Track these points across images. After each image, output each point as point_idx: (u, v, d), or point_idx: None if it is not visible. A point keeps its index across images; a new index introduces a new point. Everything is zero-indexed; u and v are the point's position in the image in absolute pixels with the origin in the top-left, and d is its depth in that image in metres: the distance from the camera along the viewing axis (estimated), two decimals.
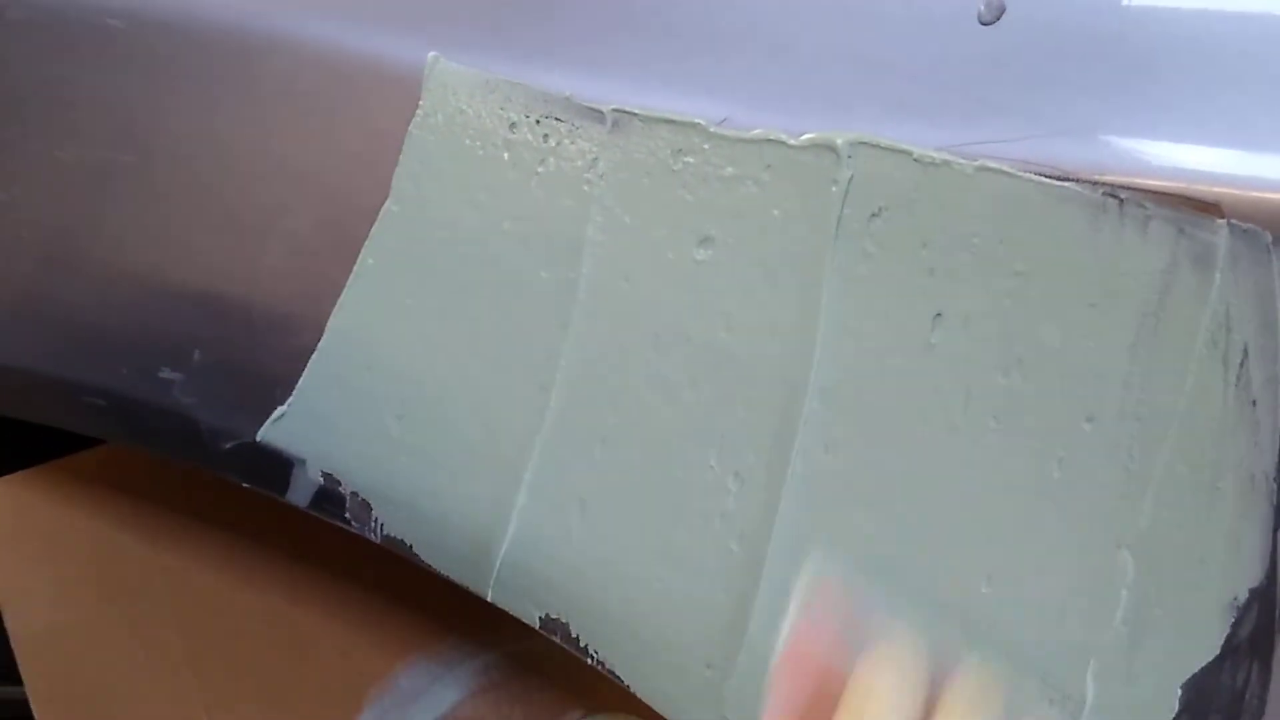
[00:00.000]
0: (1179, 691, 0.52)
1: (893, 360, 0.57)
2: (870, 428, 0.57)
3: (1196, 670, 0.52)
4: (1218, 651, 0.52)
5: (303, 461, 0.64)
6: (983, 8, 0.57)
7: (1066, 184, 0.53)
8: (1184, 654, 0.52)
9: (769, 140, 0.58)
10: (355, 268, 0.64)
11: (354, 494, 0.64)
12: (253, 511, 0.77)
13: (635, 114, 0.61)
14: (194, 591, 0.79)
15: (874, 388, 0.57)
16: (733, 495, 0.59)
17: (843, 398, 0.58)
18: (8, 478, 0.80)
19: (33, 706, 0.76)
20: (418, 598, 0.77)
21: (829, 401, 0.58)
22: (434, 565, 0.64)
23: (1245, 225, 0.50)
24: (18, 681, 0.77)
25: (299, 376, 0.64)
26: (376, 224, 0.64)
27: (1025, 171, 0.53)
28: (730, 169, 0.59)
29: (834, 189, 0.57)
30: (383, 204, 0.64)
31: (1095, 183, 0.52)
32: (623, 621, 0.61)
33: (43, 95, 0.72)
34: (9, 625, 0.77)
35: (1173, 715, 0.52)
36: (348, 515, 0.64)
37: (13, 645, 0.76)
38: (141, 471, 0.80)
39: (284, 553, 0.79)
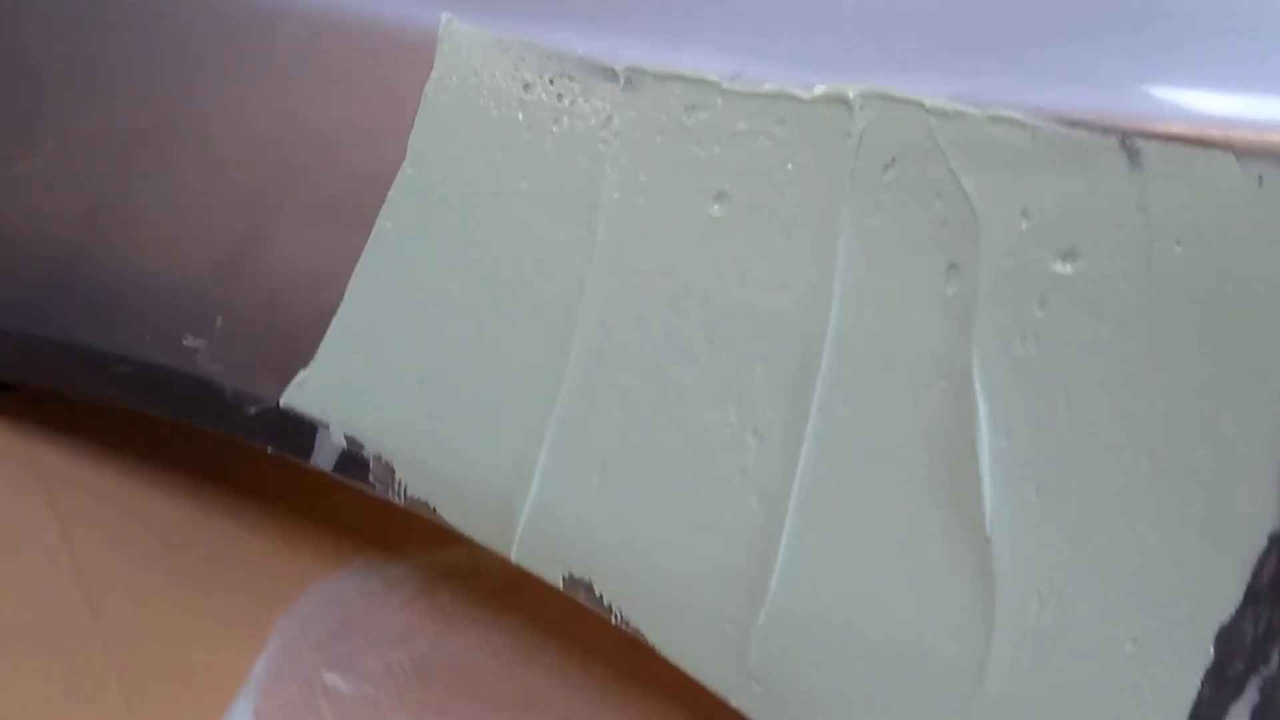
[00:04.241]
0: (1212, 642, 0.52)
1: (908, 312, 0.57)
2: (888, 382, 0.57)
3: (1225, 621, 0.52)
4: (1240, 600, 0.52)
5: (326, 426, 0.65)
6: None
7: (1079, 131, 0.52)
8: (1209, 607, 0.52)
9: (781, 94, 0.58)
10: (373, 231, 0.64)
11: (377, 457, 0.64)
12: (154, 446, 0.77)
13: (648, 71, 0.61)
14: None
15: (891, 341, 0.57)
16: (752, 451, 0.59)
17: (859, 351, 0.58)
18: None
19: None
20: (320, 523, 0.77)
21: (846, 355, 0.58)
22: (458, 526, 0.64)
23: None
24: None
25: (320, 341, 0.65)
26: (393, 187, 0.65)
27: (1038, 120, 0.53)
28: (743, 124, 0.59)
29: (847, 141, 0.57)
30: (399, 167, 0.65)
31: (1108, 129, 0.52)
32: (645, 579, 0.62)
33: (63, 66, 0.72)
34: None
35: (1208, 666, 0.52)
36: (372, 478, 0.65)
37: None
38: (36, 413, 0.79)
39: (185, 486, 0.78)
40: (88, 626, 0.74)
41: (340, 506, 0.76)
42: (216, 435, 0.74)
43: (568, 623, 0.73)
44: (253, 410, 0.65)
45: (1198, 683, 0.53)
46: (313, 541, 0.76)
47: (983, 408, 0.55)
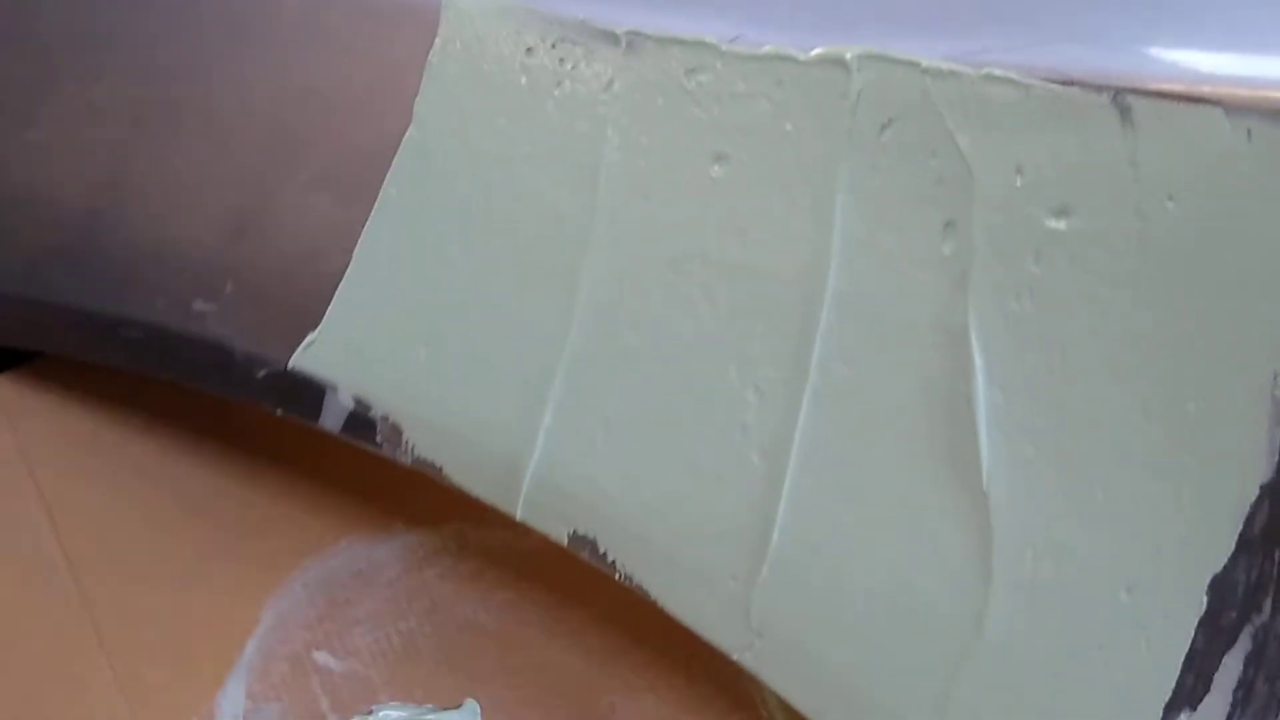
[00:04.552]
0: (1206, 591, 0.53)
1: (906, 270, 0.58)
2: (886, 339, 0.58)
3: (1217, 570, 0.53)
4: (1232, 549, 0.52)
5: (334, 387, 0.66)
6: None
7: (1071, 89, 0.53)
8: (1203, 556, 0.53)
9: (780, 56, 0.59)
10: (379, 196, 0.65)
11: (385, 418, 0.65)
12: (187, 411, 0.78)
13: (649, 35, 0.62)
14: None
15: (889, 299, 0.58)
16: (753, 408, 0.60)
17: (858, 309, 0.58)
18: None
19: None
20: (307, 505, 0.78)
21: (844, 313, 0.59)
22: (464, 486, 0.65)
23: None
24: None
25: (328, 305, 0.66)
26: (398, 153, 0.65)
27: (1031, 78, 0.54)
28: (742, 86, 0.60)
29: (844, 102, 0.58)
30: (404, 134, 0.65)
31: (1100, 87, 0.52)
32: (648, 537, 0.63)
33: (75, 36, 0.73)
34: None
35: (1201, 614, 0.53)
36: (379, 439, 0.65)
37: None
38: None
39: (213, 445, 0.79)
40: (77, 610, 0.74)
41: (326, 487, 0.77)
42: (202, 418, 0.76)
43: (554, 598, 0.75)
44: (262, 373, 0.66)
45: (1192, 631, 0.53)
46: (300, 523, 0.76)
47: (979, 364, 0.56)
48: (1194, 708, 0.54)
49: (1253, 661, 0.53)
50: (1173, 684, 0.54)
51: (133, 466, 0.77)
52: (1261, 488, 0.51)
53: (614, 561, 0.63)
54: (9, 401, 0.78)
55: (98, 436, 0.78)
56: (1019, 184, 0.55)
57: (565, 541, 0.64)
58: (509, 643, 0.75)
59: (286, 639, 0.75)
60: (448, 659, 0.75)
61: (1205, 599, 0.53)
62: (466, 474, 0.65)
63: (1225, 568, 0.52)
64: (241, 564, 0.75)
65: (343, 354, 0.66)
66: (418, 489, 0.68)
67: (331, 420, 0.66)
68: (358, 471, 0.73)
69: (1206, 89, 0.51)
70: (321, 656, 0.75)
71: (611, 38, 0.62)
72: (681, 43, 0.61)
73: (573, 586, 0.74)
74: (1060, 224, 0.54)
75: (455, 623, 0.75)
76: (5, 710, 0.73)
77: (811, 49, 0.58)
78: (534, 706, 0.74)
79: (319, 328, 0.66)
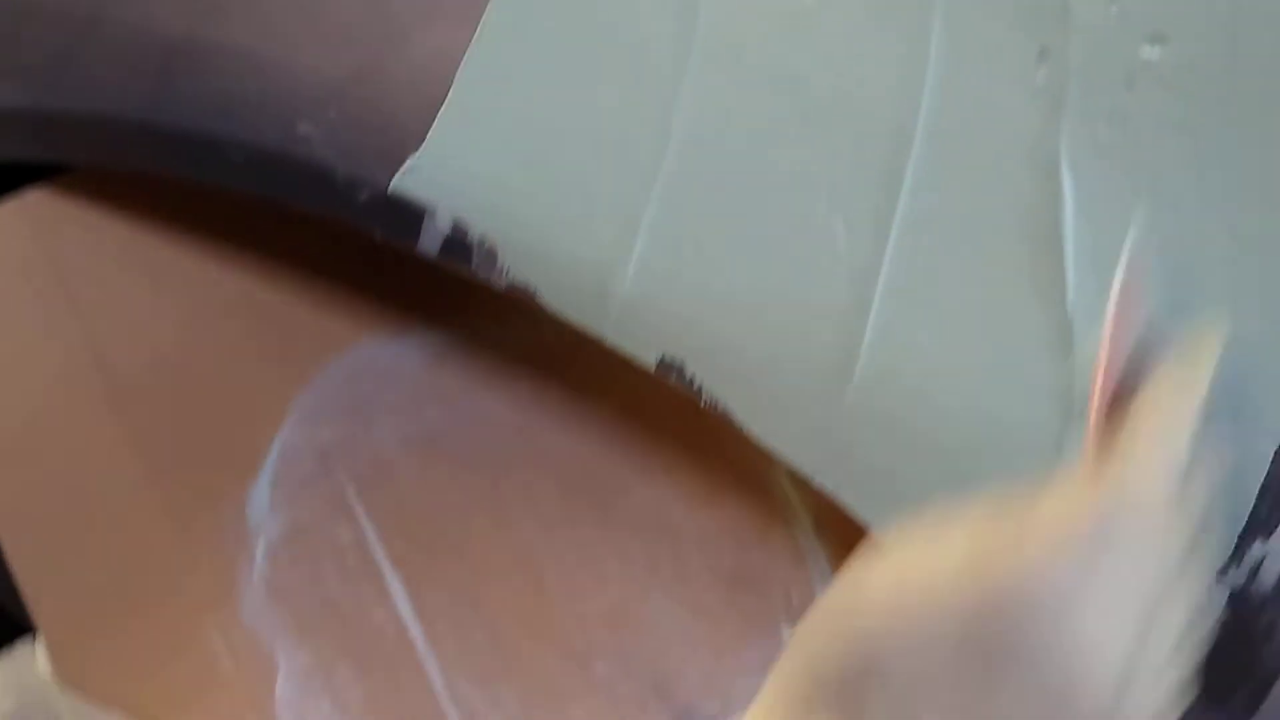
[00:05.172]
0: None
1: (999, 98, 0.58)
2: (976, 168, 0.59)
3: None
4: None
5: (433, 211, 0.67)
6: None
7: None
8: None
9: None
10: (481, 21, 0.66)
11: (481, 242, 0.67)
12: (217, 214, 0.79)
13: None
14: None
15: (981, 128, 0.59)
16: (841, 238, 0.61)
17: (950, 138, 0.59)
18: None
19: None
20: (328, 306, 0.79)
21: (936, 142, 0.59)
22: (557, 309, 0.66)
23: None
24: None
25: (430, 129, 0.67)
26: None
27: None
28: None
29: None
30: None
31: None
32: (735, 362, 0.64)
33: None
34: None
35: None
36: (475, 262, 0.67)
37: None
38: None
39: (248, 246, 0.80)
40: (110, 415, 0.76)
41: (348, 289, 0.78)
42: (231, 227, 0.77)
43: (572, 392, 0.76)
44: (363, 196, 0.68)
45: (1269, 460, 0.54)
46: (324, 323, 0.78)
47: (1069, 192, 0.57)
48: (1268, 536, 0.55)
49: None
50: (1248, 511, 0.55)
51: (162, 274, 0.79)
52: None
53: (700, 386, 0.64)
54: (40, 213, 0.78)
55: (127, 247, 0.79)
56: (1114, 11, 0.55)
57: (653, 365, 0.65)
58: (528, 433, 0.76)
59: (312, 435, 0.77)
60: (468, 448, 0.76)
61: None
62: (559, 298, 0.66)
63: None
64: (268, 364, 0.77)
65: (442, 178, 0.67)
66: (437, 288, 0.69)
67: (429, 243, 0.67)
68: (378, 272, 0.74)
69: None
70: (346, 450, 0.77)
71: None
72: None
73: (590, 381, 0.75)
74: (1154, 51, 0.55)
75: (475, 414, 0.77)
76: (41, 506, 0.75)
77: None
78: (551, 491, 0.76)
79: (420, 151, 0.67)
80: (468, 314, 0.78)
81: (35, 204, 0.79)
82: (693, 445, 0.75)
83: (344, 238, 0.69)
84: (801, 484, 0.63)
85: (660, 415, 0.74)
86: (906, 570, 0.46)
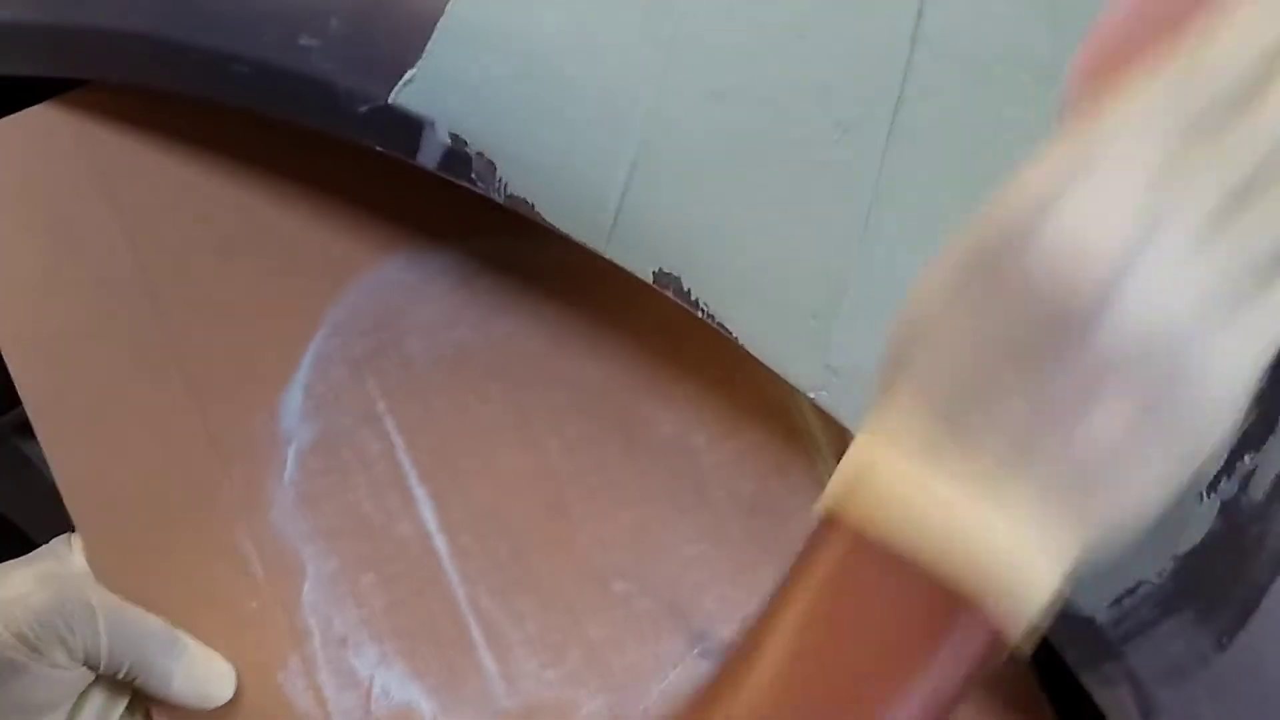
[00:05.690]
0: None
1: (1000, 11, 0.57)
2: (974, 78, 0.58)
3: None
4: None
5: (432, 123, 0.67)
6: None
7: None
8: None
9: None
10: None
11: (479, 154, 0.66)
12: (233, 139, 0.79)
13: None
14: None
15: (980, 39, 0.57)
16: (837, 145, 0.60)
17: (947, 47, 0.58)
18: None
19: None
20: (361, 219, 0.79)
21: (933, 51, 0.58)
22: (555, 223, 0.66)
23: None
24: None
25: (429, 41, 0.66)
26: None
27: None
28: None
29: None
30: None
31: None
32: (730, 274, 0.63)
33: None
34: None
35: None
36: (474, 175, 0.67)
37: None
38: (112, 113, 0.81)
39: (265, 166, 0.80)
40: (150, 318, 0.78)
41: (380, 203, 0.78)
42: (264, 140, 0.77)
43: (600, 313, 0.77)
44: (364, 108, 0.67)
45: None
46: (355, 238, 0.78)
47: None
48: (1258, 448, 0.54)
49: None
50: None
51: (200, 187, 0.79)
52: None
53: (697, 299, 0.64)
54: (87, 120, 0.80)
55: (173, 153, 0.80)
56: None
57: (651, 279, 0.65)
58: (554, 353, 0.77)
59: (344, 346, 0.78)
60: (496, 367, 0.77)
61: None
62: (557, 212, 0.66)
63: None
64: (301, 277, 0.78)
65: (441, 90, 0.67)
66: (468, 205, 0.69)
67: (429, 156, 0.67)
68: (410, 188, 0.75)
69: None
70: (377, 362, 0.78)
71: None
72: None
73: (618, 303, 0.76)
74: None
75: (504, 332, 0.78)
76: (84, 412, 0.77)
77: None
78: (575, 412, 0.76)
79: (418, 64, 0.66)
80: (501, 232, 0.78)
81: (78, 106, 0.80)
82: (717, 374, 0.76)
83: (371, 157, 0.69)
84: (823, 416, 0.63)
85: (686, 342, 0.74)
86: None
